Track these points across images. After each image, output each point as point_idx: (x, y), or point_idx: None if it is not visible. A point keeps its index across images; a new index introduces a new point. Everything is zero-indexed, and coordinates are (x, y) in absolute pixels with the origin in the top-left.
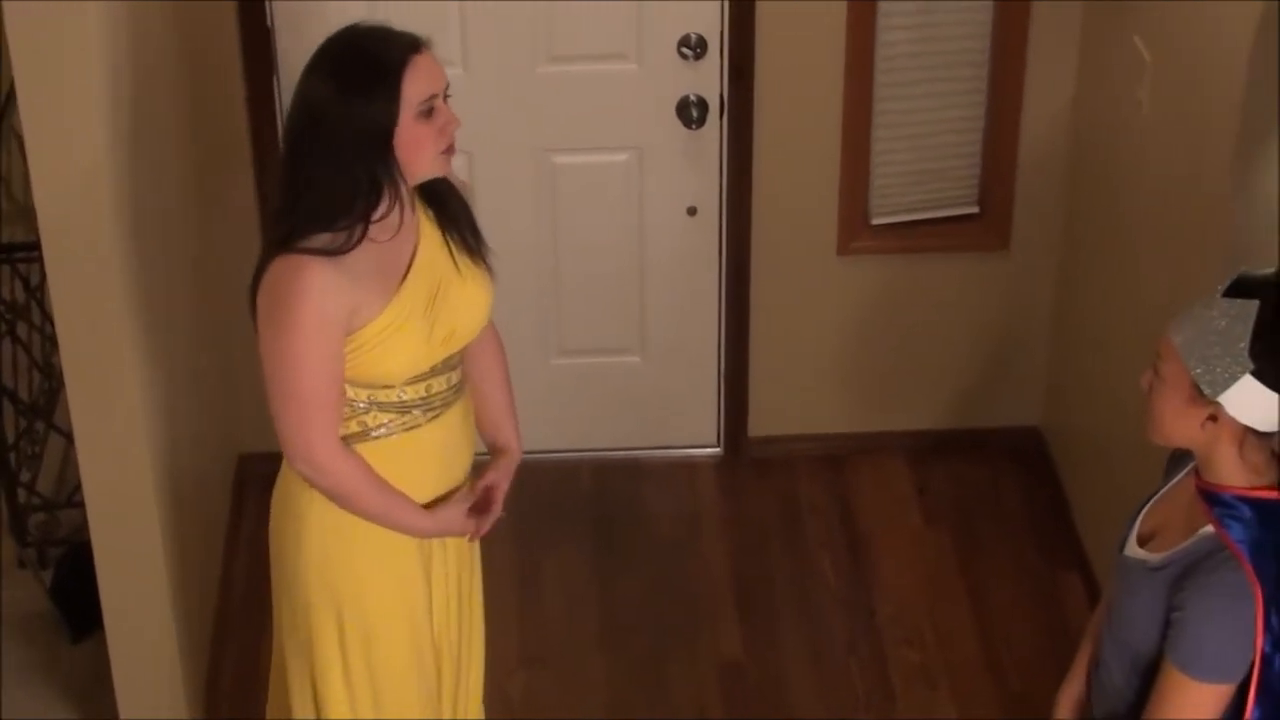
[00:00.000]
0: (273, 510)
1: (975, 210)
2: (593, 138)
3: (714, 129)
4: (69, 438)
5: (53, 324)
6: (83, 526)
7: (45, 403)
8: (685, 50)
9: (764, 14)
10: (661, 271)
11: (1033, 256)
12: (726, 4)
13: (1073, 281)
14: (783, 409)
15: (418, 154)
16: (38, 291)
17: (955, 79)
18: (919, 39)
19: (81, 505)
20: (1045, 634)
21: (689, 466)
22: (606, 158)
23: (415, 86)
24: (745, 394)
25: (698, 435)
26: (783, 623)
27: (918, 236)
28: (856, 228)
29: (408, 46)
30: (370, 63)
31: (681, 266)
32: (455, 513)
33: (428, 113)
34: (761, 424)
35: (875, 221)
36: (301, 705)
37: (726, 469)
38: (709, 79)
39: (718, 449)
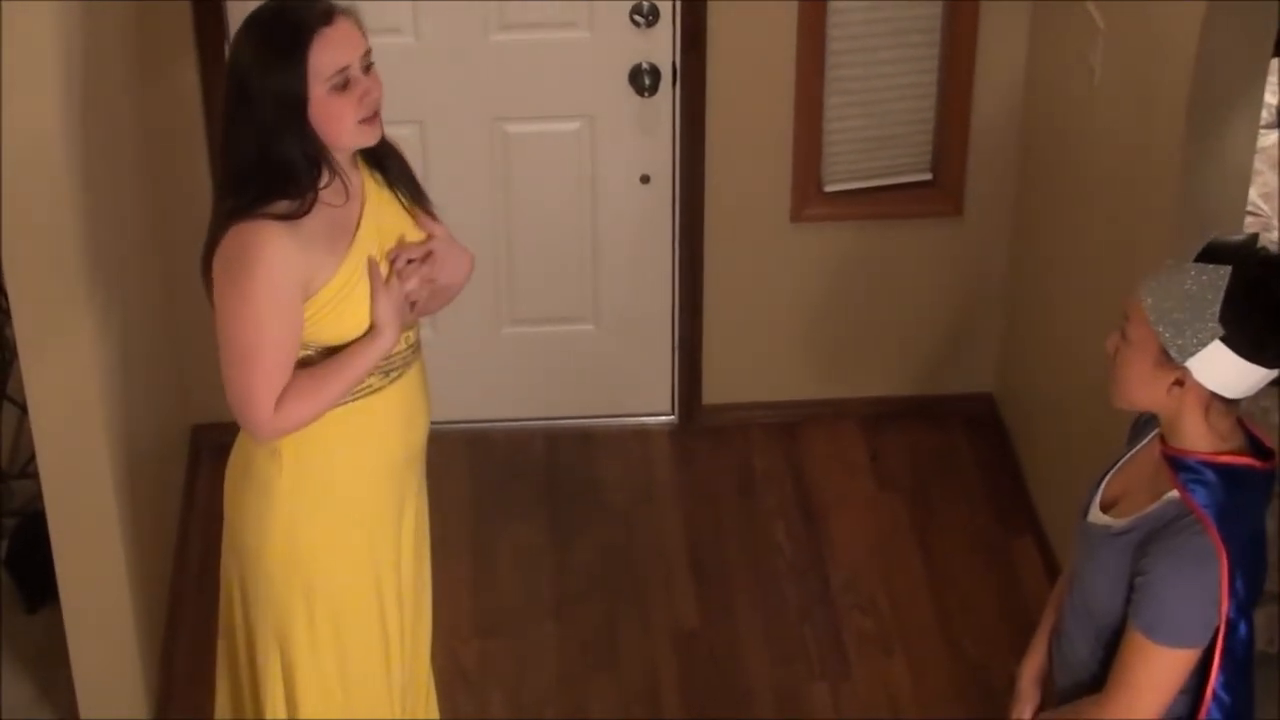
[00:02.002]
0: (229, 485)
1: (929, 177)
2: (545, 106)
3: (666, 97)
4: (23, 409)
5: (6, 296)
6: (37, 497)
7: None
8: (638, 18)
9: None
10: (615, 240)
11: (986, 223)
12: None
13: (1026, 248)
14: (737, 376)
15: (335, 126)
16: None
17: (908, 46)
18: (871, 6)
19: (36, 476)
20: (999, 600)
21: (643, 435)
22: (559, 126)
23: (323, 59)
24: (699, 362)
25: (652, 403)
26: (737, 590)
27: (871, 203)
28: (810, 195)
29: (319, 18)
30: (280, 32)
31: (635, 234)
32: (387, 303)
33: (342, 86)
34: (716, 392)
35: (829, 189)
36: (273, 690)
37: (680, 437)
38: (661, 46)
39: (672, 417)
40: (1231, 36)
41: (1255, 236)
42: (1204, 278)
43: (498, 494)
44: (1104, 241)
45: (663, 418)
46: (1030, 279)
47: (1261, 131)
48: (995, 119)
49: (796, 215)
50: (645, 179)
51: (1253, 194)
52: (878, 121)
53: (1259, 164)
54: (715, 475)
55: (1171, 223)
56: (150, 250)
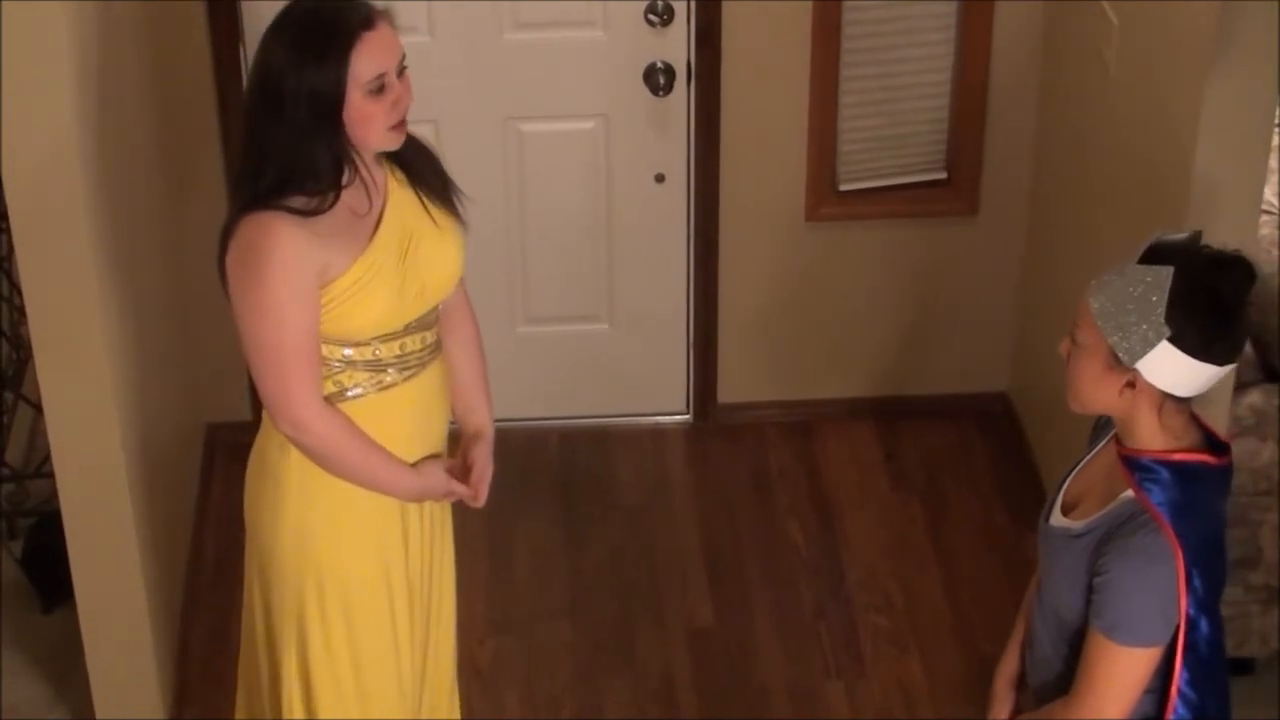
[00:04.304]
0: (249, 478)
1: (943, 176)
2: (560, 105)
3: (681, 96)
4: (38, 408)
5: (21, 294)
6: (52, 496)
7: (14, 373)
8: (652, 17)
9: None
10: (629, 239)
11: (1001, 221)
12: None
13: (1041, 246)
14: (752, 375)
15: (366, 129)
16: (6, 262)
17: (922, 44)
18: (886, 4)
19: (51, 475)
20: (1013, 597)
21: (658, 433)
22: (573, 125)
23: (364, 64)
24: (714, 361)
25: (666, 402)
26: (752, 589)
27: (886, 202)
28: (824, 194)
29: (361, 22)
30: (322, 36)
31: (649, 234)
32: (438, 473)
33: (378, 90)
34: (730, 390)
35: (843, 188)
36: (290, 683)
37: (695, 436)
38: (676, 45)
39: (686, 416)
40: (1247, 33)
41: (1198, 234)
42: (1148, 279)
43: (513, 493)
44: (1119, 240)
45: (678, 417)
46: (1045, 278)
47: (1277, 129)
48: (1010, 118)
49: (811, 214)
50: (660, 178)
51: (1267, 193)
52: (892, 120)
53: (1274, 162)
54: (730, 474)
55: (1186, 220)
56: (164, 249)
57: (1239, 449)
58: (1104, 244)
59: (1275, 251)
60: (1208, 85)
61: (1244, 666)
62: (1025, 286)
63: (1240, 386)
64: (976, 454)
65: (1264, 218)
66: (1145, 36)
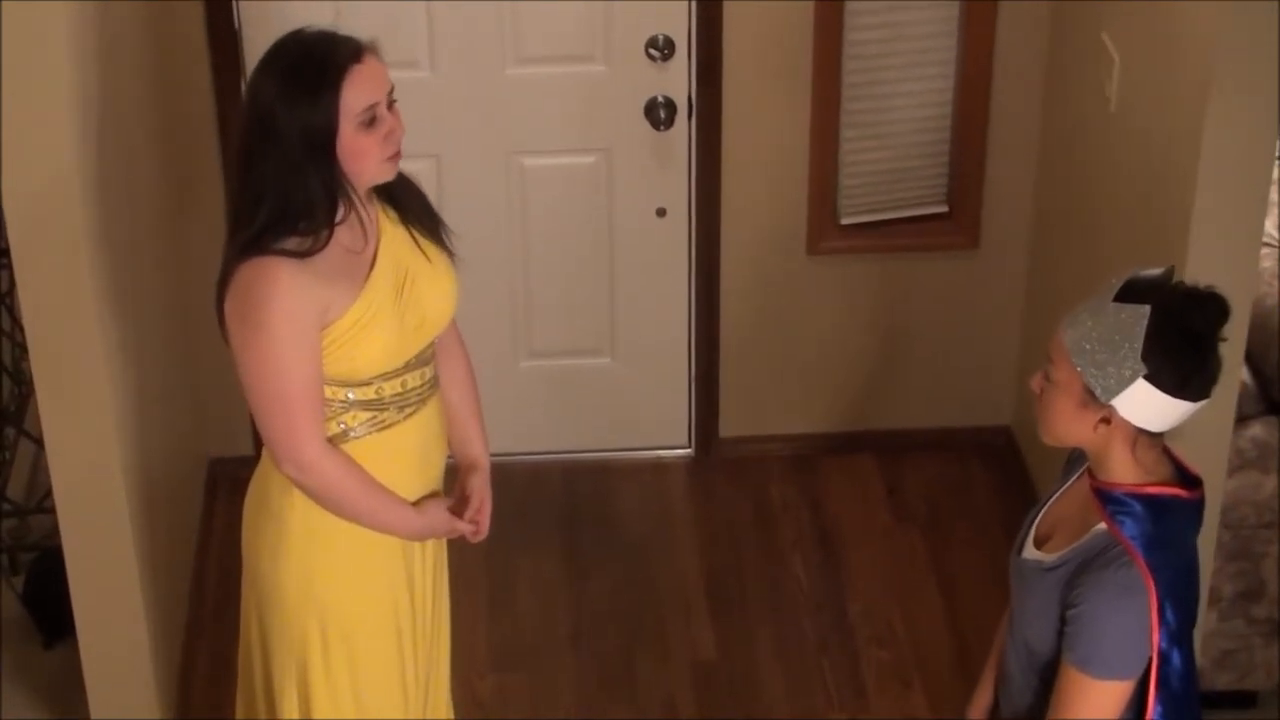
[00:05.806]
0: (247, 516)
1: (945, 209)
2: (561, 139)
3: (682, 130)
4: (39, 443)
5: (23, 330)
6: (54, 531)
7: (15, 408)
8: (653, 51)
9: (731, 14)
10: (631, 273)
11: (1003, 255)
12: (694, 5)
13: (1043, 279)
14: (754, 409)
15: (361, 162)
16: (7, 297)
17: (923, 78)
18: (887, 38)
19: (52, 510)
20: None
21: (660, 467)
22: (575, 159)
23: (355, 96)
24: (716, 394)
25: (668, 436)
26: (754, 622)
27: (887, 236)
28: (826, 228)
29: (350, 55)
30: (311, 71)
31: (651, 268)
32: (440, 512)
33: (369, 122)
34: (732, 424)
35: (845, 221)
36: (288, 710)
37: (697, 470)
38: (677, 80)
39: (688, 450)
40: (1247, 67)
41: (1171, 270)
42: (1124, 316)
43: (515, 527)
44: (1120, 273)
45: (679, 450)
46: (1047, 311)
47: (1277, 162)
48: (1011, 151)
49: (813, 248)
50: (661, 212)
51: (1268, 225)
52: (893, 154)
53: (1274, 195)
54: (732, 507)
55: (1188, 254)
56: (165, 282)
57: (1241, 482)
58: (1105, 277)
59: (1276, 285)
60: (1208, 118)
61: (1246, 700)
62: (1027, 319)
63: (1242, 419)
64: (979, 487)
65: (1265, 250)
66: (1146, 71)
